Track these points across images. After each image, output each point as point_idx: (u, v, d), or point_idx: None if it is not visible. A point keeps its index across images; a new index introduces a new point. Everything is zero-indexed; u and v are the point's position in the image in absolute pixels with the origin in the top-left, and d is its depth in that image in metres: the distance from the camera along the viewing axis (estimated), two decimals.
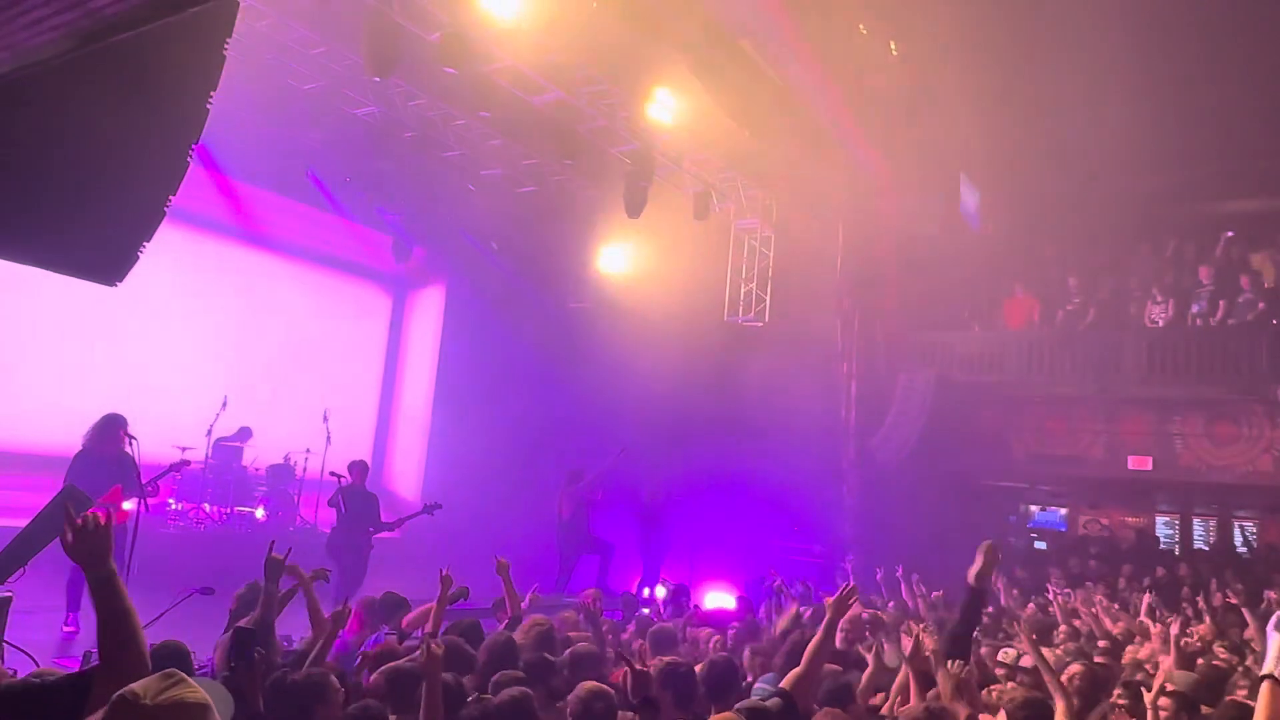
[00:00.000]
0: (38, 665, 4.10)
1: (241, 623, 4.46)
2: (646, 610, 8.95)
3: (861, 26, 12.38)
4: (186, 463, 8.69)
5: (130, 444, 7.38)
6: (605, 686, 3.87)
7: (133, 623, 2.43)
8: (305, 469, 12.24)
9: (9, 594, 5.27)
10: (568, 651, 4.94)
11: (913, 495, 13.21)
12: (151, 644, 5.56)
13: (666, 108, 12.11)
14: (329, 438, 11.84)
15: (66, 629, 7.45)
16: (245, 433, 12.14)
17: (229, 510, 11.67)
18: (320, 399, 12.71)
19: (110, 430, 7.46)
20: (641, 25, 9.77)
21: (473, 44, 10.10)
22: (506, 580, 6.14)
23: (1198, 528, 15.11)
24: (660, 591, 11.16)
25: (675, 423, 14.47)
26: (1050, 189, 15.34)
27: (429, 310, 16.46)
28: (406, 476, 15.89)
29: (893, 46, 13.01)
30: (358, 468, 9.66)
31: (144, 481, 7.47)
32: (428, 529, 14.68)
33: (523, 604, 6.26)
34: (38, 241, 3.52)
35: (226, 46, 3.46)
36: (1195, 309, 12.88)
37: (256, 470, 12.31)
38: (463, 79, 10.48)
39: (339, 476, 9.24)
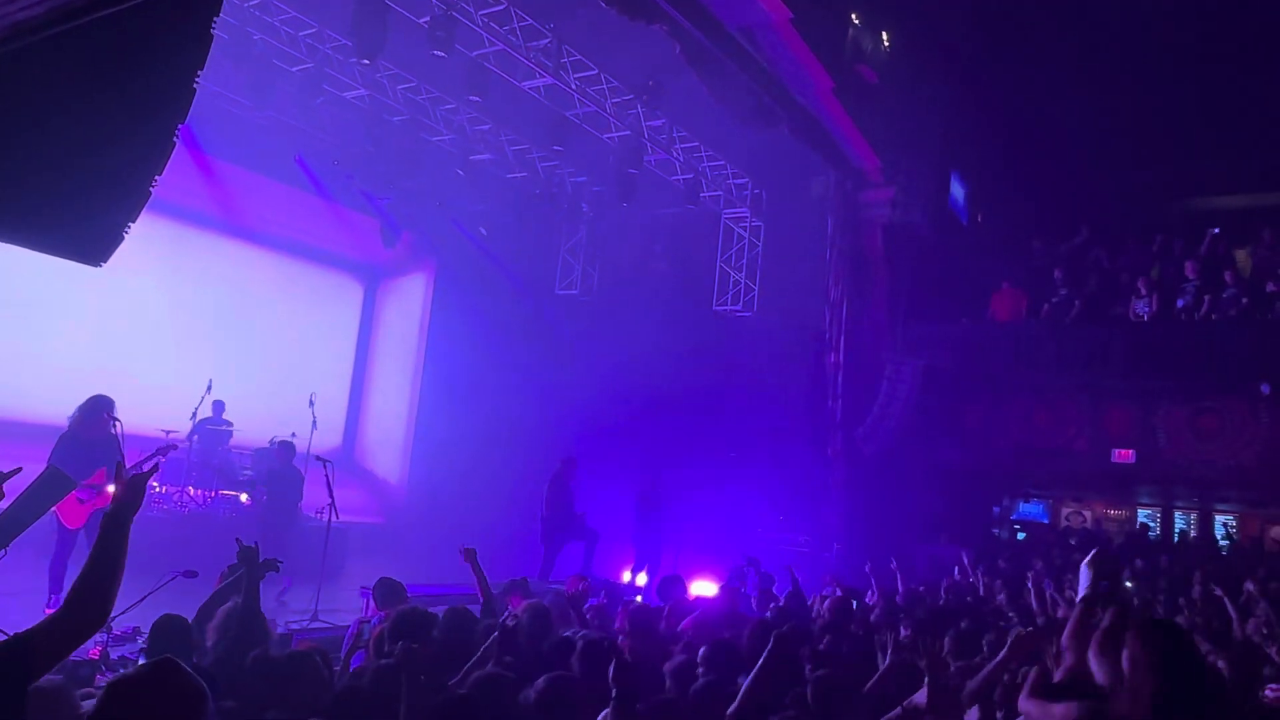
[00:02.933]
0: None
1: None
2: (639, 598, 8.99)
3: (854, 16, 12.35)
4: (174, 446, 8.64)
5: (115, 426, 7.33)
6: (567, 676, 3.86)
7: (120, 572, 2.50)
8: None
9: None
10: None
11: (898, 486, 13.27)
12: (127, 627, 5.55)
13: (657, 95, 12.09)
14: (314, 422, 11.79)
15: (49, 611, 7.40)
16: (219, 406, 12.07)
17: (213, 494, 11.62)
18: (300, 384, 12.72)
19: (95, 413, 7.40)
20: (633, 11, 9.72)
21: (462, 28, 10.06)
22: (475, 567, 6.09)
23: (1179, 521, 15.25)
24: (642, 579, 11.18)
25: (662, 411, 14.49)
26: (1039, 183, 15.40)
27: (412, 296, 16.40)
28: (388, 461, 15.88)
29: (885, 37, 12.99)
30: (284, 448, 10.37)
31: (130, 465, 7.44)
32: (412, 514, 14.74)
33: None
34: (22, 221, 3.48)
35: (214, 25, 3.41)
36: (1180, 304, 12.96)
37: (241, 454, 12.25)
38: (452, 63, 10.42)
39: (325, 461, 9.20)
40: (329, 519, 8.93)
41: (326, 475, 8.94)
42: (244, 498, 11.82)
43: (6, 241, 3.71)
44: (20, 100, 3.08)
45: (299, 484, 10.38)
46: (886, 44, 13.06)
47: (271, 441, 12.35)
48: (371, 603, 6.34)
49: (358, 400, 16.20)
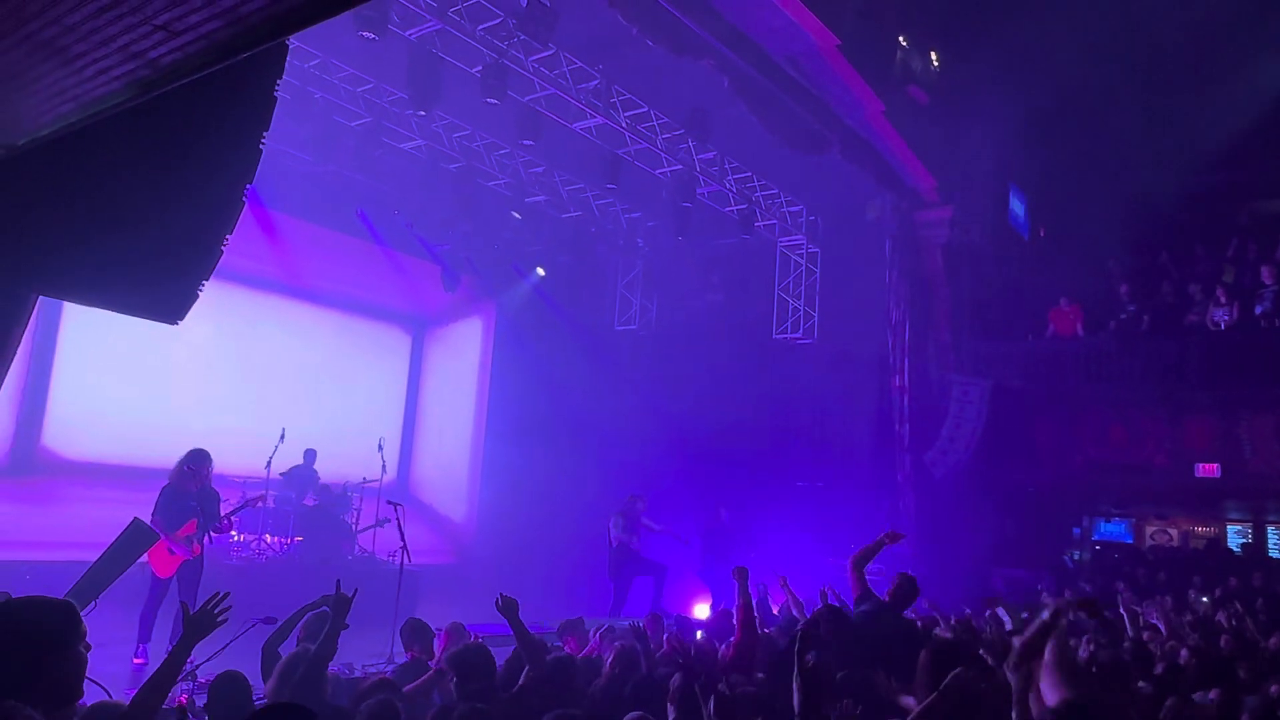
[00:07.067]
0: (110, 697, 4.18)
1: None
2: (700, 634, 8.85)
3: (902, 39, 12.32)
4: (261, 497, 8.92)
5: (209, 479, 7.72)
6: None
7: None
8: (362, 498, 12.40)
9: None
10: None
11: (971, 509, 12.97)
12: (212, 675, 5.69)
13: (707, 128, 12.16)
14: (384, 466, 12.00)
15: (137, 660, 7.60)
16: (310, 454, 12.38)
17: (289, 541, 11.84)
18: (358, 430, 13.06)
19: (192, 466, 7.84)
20: (680, 48, 9.83)
21: (513, 74, 10.27)
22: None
23: (1272, 536, 14.62)
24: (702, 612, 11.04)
25: (726, 442, 14.41)
26: (1101, 191, 15.06)
27: (469, 339, 16.58)
28: (450, 501, 15.99)
29: (934, 57, 12.92)
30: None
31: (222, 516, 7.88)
32: (482, 554, 14.82)
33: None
34: (102, 284, 3.63)
35: (277, 88, 3.55)
36: (1259, 310, 12.53)
37: (315, 501, 12.49)
38: (505, 109, 10.64)
39: (396, 505, 9.33)
40: (401, 562, 9.02)
41: (398, 518, 9.04)
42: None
43: (89, 304, 3.89)
44: (96, 169, 3.24)
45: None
46: (936, 63, 12.98)
47: (344, 488, 12.62)
48: (440, 645, 6.37)
49: (409, 442, 16.41)
